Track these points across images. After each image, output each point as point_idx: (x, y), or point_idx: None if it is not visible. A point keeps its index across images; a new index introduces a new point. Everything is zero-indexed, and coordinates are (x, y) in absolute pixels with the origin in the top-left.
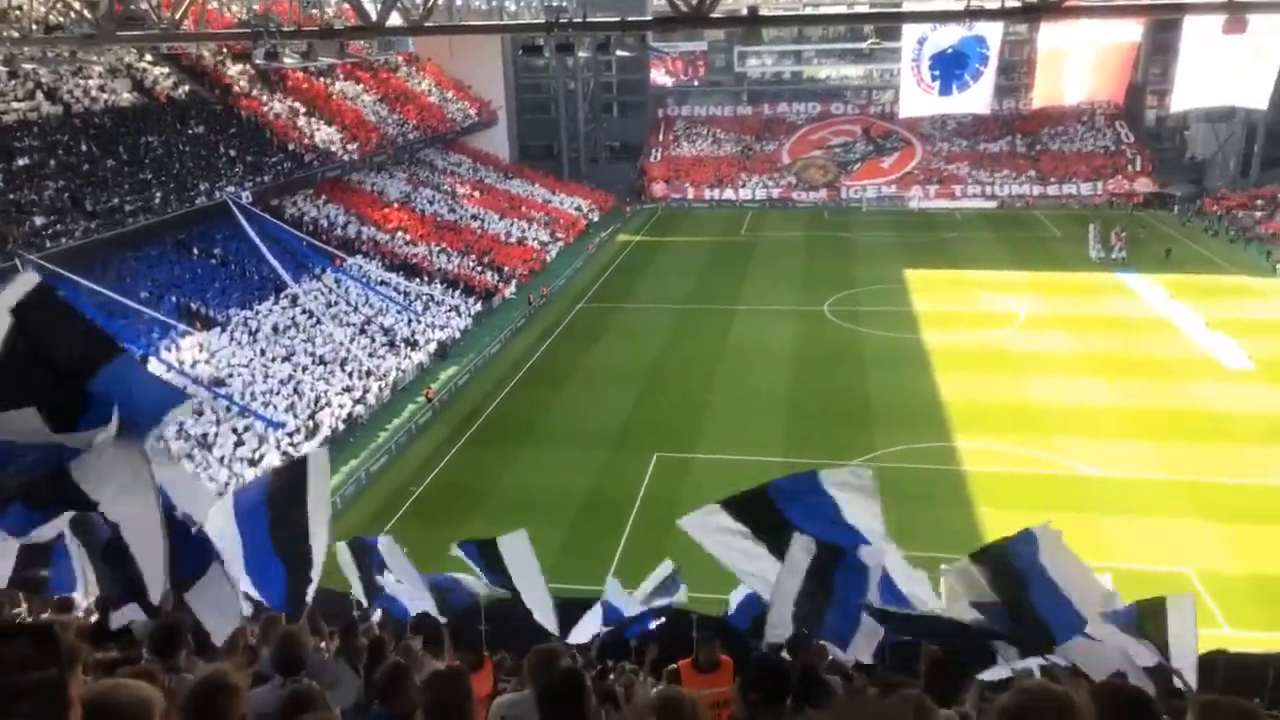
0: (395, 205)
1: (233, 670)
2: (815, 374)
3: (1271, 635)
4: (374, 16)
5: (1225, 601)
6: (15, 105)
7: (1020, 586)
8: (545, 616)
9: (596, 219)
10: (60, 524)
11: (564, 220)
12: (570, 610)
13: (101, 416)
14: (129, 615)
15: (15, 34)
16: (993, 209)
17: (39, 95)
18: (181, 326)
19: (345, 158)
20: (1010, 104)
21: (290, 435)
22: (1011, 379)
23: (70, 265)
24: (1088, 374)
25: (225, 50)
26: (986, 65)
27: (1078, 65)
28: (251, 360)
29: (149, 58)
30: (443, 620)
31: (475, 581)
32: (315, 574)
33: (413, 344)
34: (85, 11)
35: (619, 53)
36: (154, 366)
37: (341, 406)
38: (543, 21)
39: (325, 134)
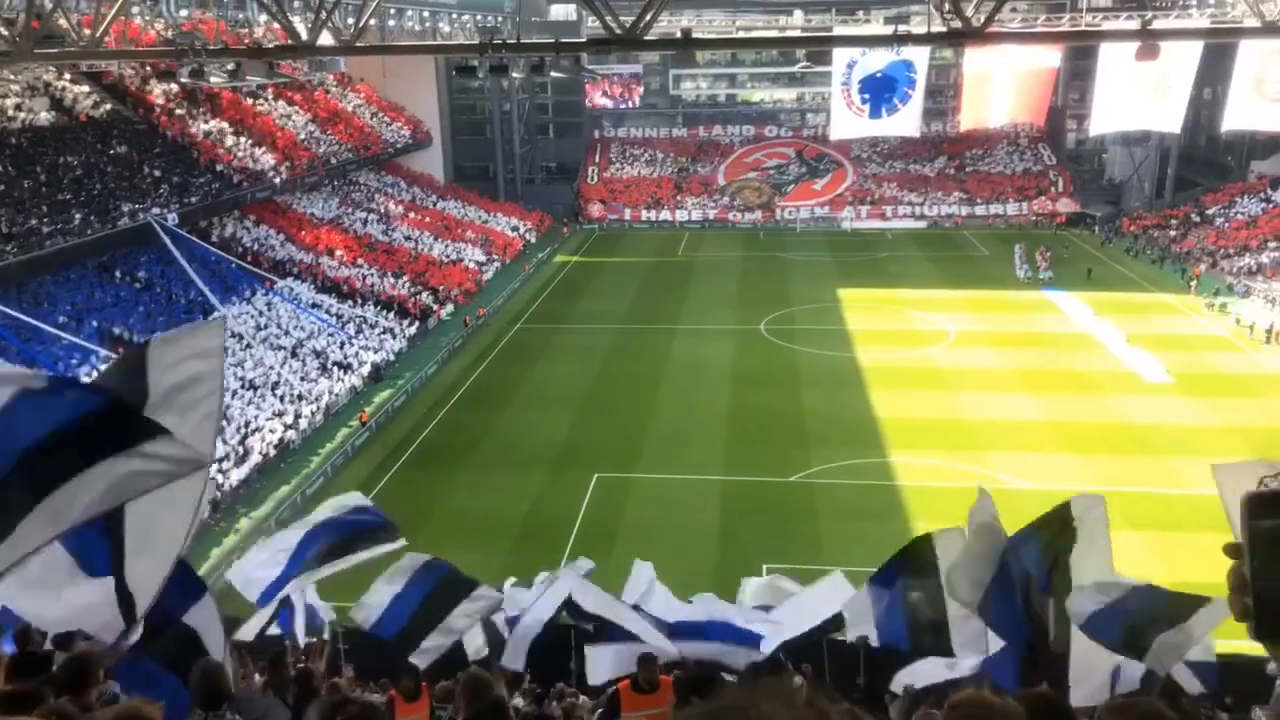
0: (327, 227)
1: (146, 705)
2: (753, 393)
3: None
4: (304, 36)
5: None
6: None
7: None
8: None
9: (533, 240)
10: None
11: (500, 241)
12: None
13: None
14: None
15: None
16: (923, 229)
17: None
18: (103, 352)
19: (276, 179)
20: (939, 126)
21: (219, 461)
22: (943, 395)
23: None
24: (1016, 389)
25: (149, 69)
26: (915, 89)
27: (1001, 89)
28: None
29: (68, 76)
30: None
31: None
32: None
33: (346, 367)
34: (1, 29)
35: (554, 74)
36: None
37: (273, 431)
38: (476, 43)
39: (255, 155)
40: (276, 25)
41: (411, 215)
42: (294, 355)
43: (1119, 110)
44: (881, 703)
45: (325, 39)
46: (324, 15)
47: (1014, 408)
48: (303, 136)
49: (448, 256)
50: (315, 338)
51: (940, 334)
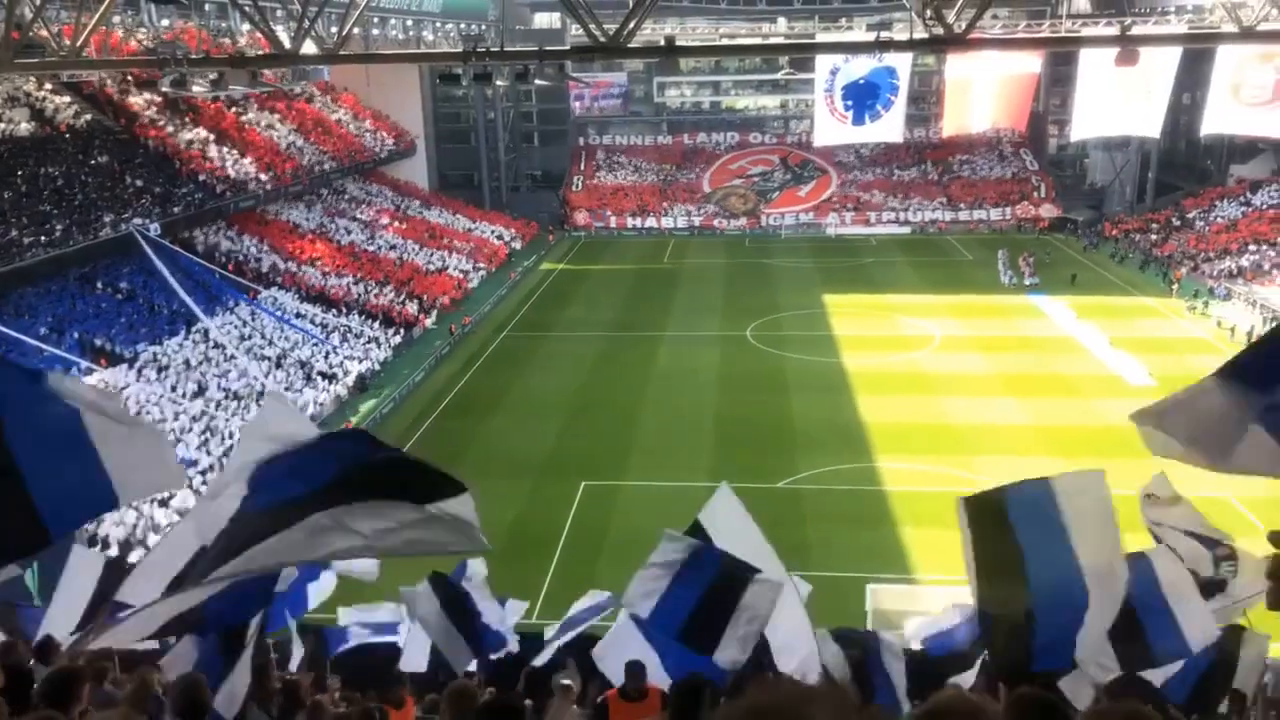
0: (311, 236)
1: (127, 713)
2: (740, 399)
3: None
4: (287, 45)
5: None
6: None
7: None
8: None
9: (519, 248)
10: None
11: (486, 249)
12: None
13: None
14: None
15: None
16: (907, 234)
17: None
18: (84, 363)
19: (259, 188)
20: (921, 133)
21: (203, 473)
22: (929, 400)
23: None
24: (1001, 393)
25: (130, 78)
26: (897, 95)
27: (983, 95)
28: (161, 397)
29: (49, 86)
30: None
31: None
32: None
33: (330, 377)
34: None
35: (538, 82)
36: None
37: None
38: (460, 51)
39: (238, 164)
40: (259, 35)
41: (396, 224)
42: (278, 366)
43: (1100, 115)
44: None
45: (308, 48)
46: (307, 24)
47: (999, 412)
48: (286, 146)
49: (433, 265)
50: (300, 348)
51: (925, 339)
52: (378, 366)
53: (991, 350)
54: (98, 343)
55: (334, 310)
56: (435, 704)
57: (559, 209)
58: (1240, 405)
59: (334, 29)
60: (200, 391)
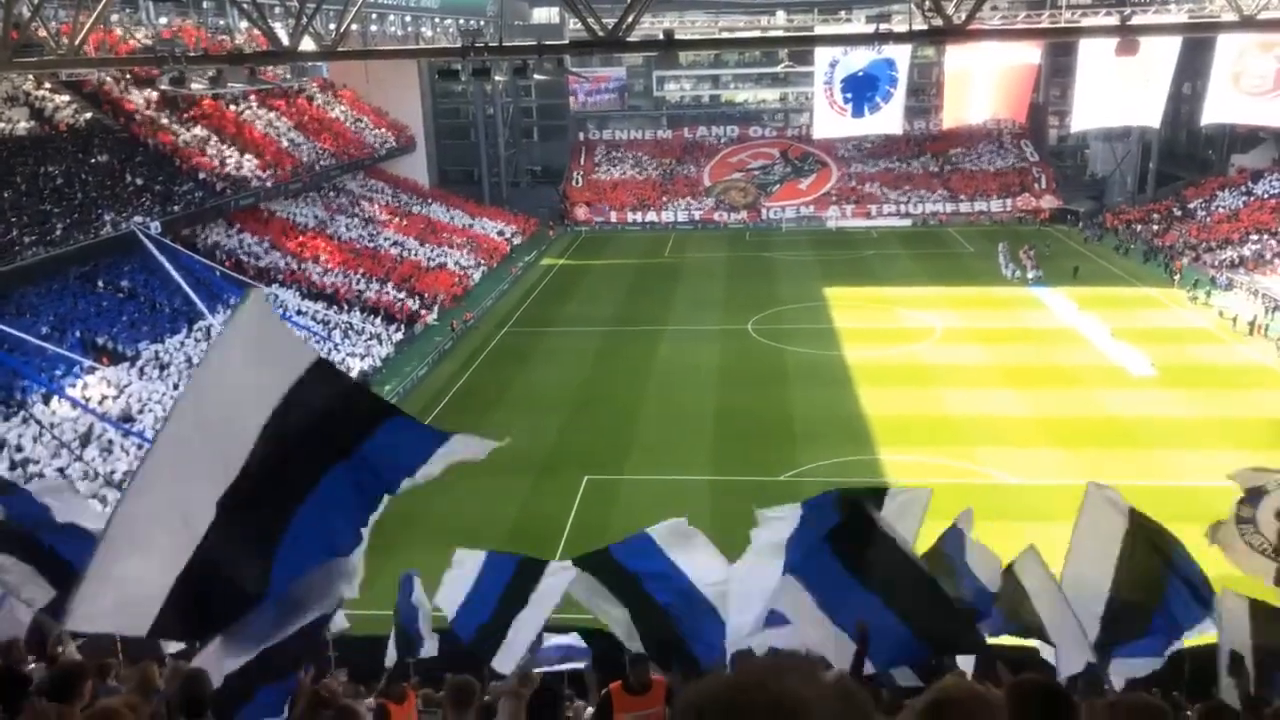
0: (312, 233)
1: (124, 705)
2: (741, 392)
3: None
4: (285, 42)
5: None
6: None
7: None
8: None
9: (519, 243)
10: None
11: (486, 245)
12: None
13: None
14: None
15: None
16: (907, 227)
17: None
18: (87, 362)
19: (259, 186)
20: (921, 125)
21: None
22: (931, 392)
23: None
24: (1003, 385)
25: (129, 77)
26: (896, 87)
27: (982, 86)
28: (164, 395)
29: (48, 85)
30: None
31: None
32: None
33: None
34: None
35: (537, 77)
36: (58, 405)
37: None
38: (459, 46)
39: (238, 162)
40: (257, 32)
41: (396, 220)
42: None
43: (1100, 106)
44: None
45: (306, 44)
46: (305, 21)
47: (1001, 403)
48: (286, 143)
49: (433, 261)
50: None
51: (927, 331)
52: (380, 363)
53: (992, 342)
54: (99, 341)
55: (335, 307)
56: (430, 699)
57: (559, 204)
58: None
59: (332, 25)
60: None
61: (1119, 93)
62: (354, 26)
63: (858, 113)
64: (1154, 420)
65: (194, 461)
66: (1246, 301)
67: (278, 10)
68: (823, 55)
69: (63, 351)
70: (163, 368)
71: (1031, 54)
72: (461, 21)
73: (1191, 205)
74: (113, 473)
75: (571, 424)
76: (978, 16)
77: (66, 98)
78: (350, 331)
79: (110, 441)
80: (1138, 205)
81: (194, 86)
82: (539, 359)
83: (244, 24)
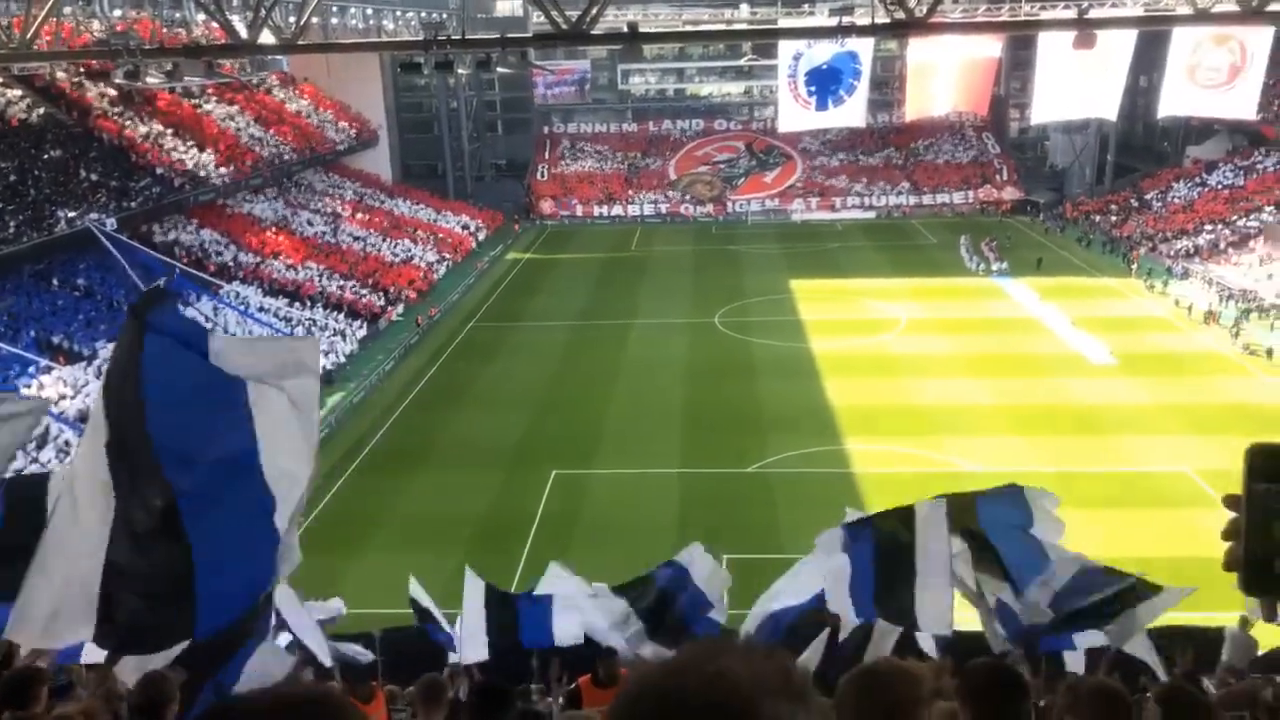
0: (273, 229)
1: (83, 713)
2: (709, 385)
3: None
4: (244, 35)
5: None
6: None
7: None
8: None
9: (485, 237)
10: None
11: (451, 239)
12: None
13: None
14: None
15: None
16: (871, 219)
17: None
18: (43, 362)
19: (219, 181)
20: (885, 117)
21: None
22: (896, 382)
23: None
24: (967, 374)
25: (82, 71)
26: (860, 80)
27: (944, 79)
28: None
29: None
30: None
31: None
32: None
33: None
34: None
35: (501, 70)
36: (12, 405)
37: None
38: (421, 39)
39: (196, 157)
40: (215, 24)
41: (359, 216)
42: None
43: (1059, 99)
44: None
45: (266, 38)
46: (263, 13)
47: (965, 392)
48: (246, 138)
49: (397, 256)
50: None
51: (891, 322)
52: (344, 359)
53: (956, 332)
54: (55, 340)
55: (298, 304)
56: (393, 695)
57: (524, 198)
58: None
59: (292, 18)
60: None
61: (1077, 86)
62: (314, 19)
63: (822, 106)
64: (1113, 407)
65: (93, 458)
66: (1201, 290)
67: (235, 2)
68: (786, 48)
69: (17, 351)
70: None
71: (992, 47)
72: (424, 14)
73: (1148, 196)
74: None
75: (539, 419)
76: (939, 10)
77: (19, 92)
78: (314, 328)
79: (67, 443)
80: (1096, 196)
81: (149, 80)
82: (505, 354)
83: (201, 16)
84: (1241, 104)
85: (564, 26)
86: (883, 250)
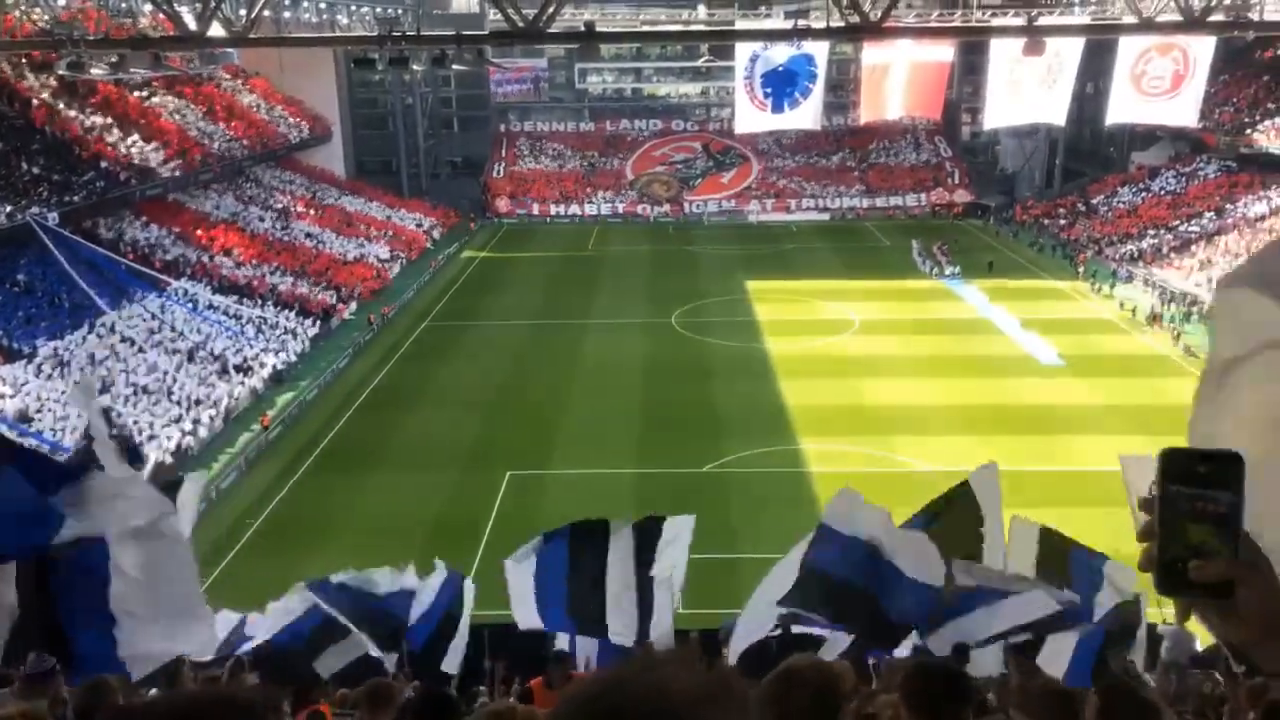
0: (223, 225)
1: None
2: (665, 385)
3: None
4: (193, 27)
5: None
6: None
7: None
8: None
9: (439, 236)
10: None
11: (405, 237)
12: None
13: None
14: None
15: None
16: (826, 221)
17: None
18: None
19: (166, 175)
20: (840, 120)
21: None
22: (850, 382)
23: None
24: (919, 375)
25: (24, 61)
26: (815, 83)
27: (897, 83)
28: (64, 393)
29: None
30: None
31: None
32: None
33: (245, 370)
34: None
35: (456, 67)
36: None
37: (169, 438)
38: (375, 34)
39: (143, 150)
40: (163, 15)
41: (311, 212)
42: (190, 359)
43: (1010, 104)
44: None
45: (216, 30)
46: (213, 5)
47: (918, 393)
48: (194, 131)
49: (350, 254)
50: (213, 340)
51: (845, 323)
52: (295, 358)
53: (909, 333)
54: None
55: (248, 301)
56: (345, 698)
57: (480, 196)
58: None
59: (243, 11)
60: (106, 387)
61: (1028, 91)
62: (266, 12)
63: (778, 108)
64: (1061, 407)
65: None
66: (1145, 293)
67: None
68: (743, 50)
69: None
70: (62, 365)
71: (945, 52)
72: (379, 9)
73: (1094, 201)
74: None
75: (494, 419)
76: (893, 14)
77: None
78: (264, 326)
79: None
80: (1045, 200)
81: (94, 71)
82: (460, 353)
83: (148, 7)
84: (1184, 112)
85: (521, 24)
86: (837, 252)
